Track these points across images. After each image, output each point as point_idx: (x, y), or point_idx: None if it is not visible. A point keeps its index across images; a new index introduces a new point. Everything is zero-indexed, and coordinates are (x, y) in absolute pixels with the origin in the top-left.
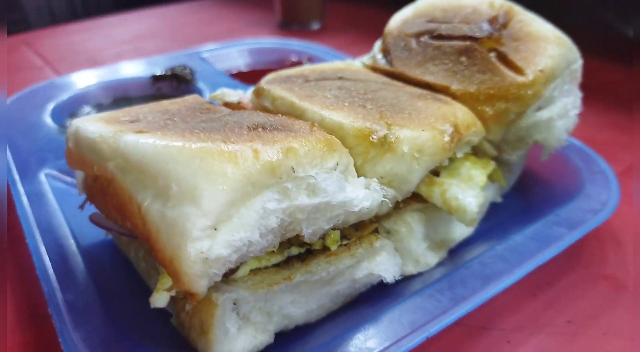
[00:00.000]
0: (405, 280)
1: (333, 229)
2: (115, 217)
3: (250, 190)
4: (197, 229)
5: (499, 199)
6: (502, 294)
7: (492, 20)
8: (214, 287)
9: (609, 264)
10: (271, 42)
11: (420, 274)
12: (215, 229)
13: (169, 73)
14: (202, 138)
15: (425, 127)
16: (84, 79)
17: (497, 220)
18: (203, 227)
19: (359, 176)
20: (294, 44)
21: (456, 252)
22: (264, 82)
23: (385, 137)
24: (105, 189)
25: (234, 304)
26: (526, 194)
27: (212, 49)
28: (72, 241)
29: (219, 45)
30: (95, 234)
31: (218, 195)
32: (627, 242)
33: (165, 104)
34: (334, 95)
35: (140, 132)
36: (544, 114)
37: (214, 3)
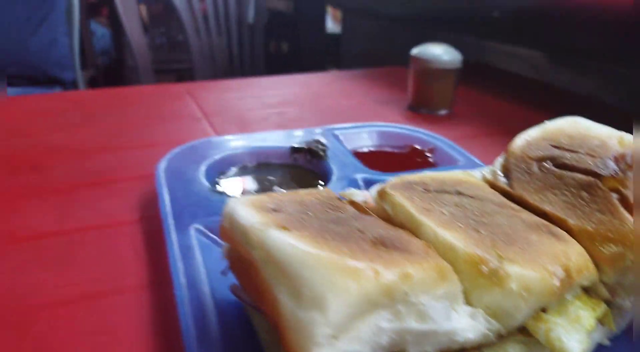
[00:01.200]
0: None
1: None
2: (250, 293)
3: (368, 307)
4: (321, 336)
5: (606, 342)
6: None
7: (619, 159)
8: None
9: None
10: (399, 127)
11: None
12: (336, 339)
13: (304, 147)
14: (331, 247)
15: (535, 266)
16: (234, 142)
17: None
18: (326, 335)
19: (465, 299)
20: (420, 132)
21: None
22: (389, 186)
23: (496, 270)
24: (247, 268)
25: None
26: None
27: (344, 127)
28: (210, 300)
29: (352, 125)
30: (227, 294)
31: (342, 308)
32: None
33: (302, 193)
34: (450, 212)
35: (283, 227)
36: None
37: (347, 75)
